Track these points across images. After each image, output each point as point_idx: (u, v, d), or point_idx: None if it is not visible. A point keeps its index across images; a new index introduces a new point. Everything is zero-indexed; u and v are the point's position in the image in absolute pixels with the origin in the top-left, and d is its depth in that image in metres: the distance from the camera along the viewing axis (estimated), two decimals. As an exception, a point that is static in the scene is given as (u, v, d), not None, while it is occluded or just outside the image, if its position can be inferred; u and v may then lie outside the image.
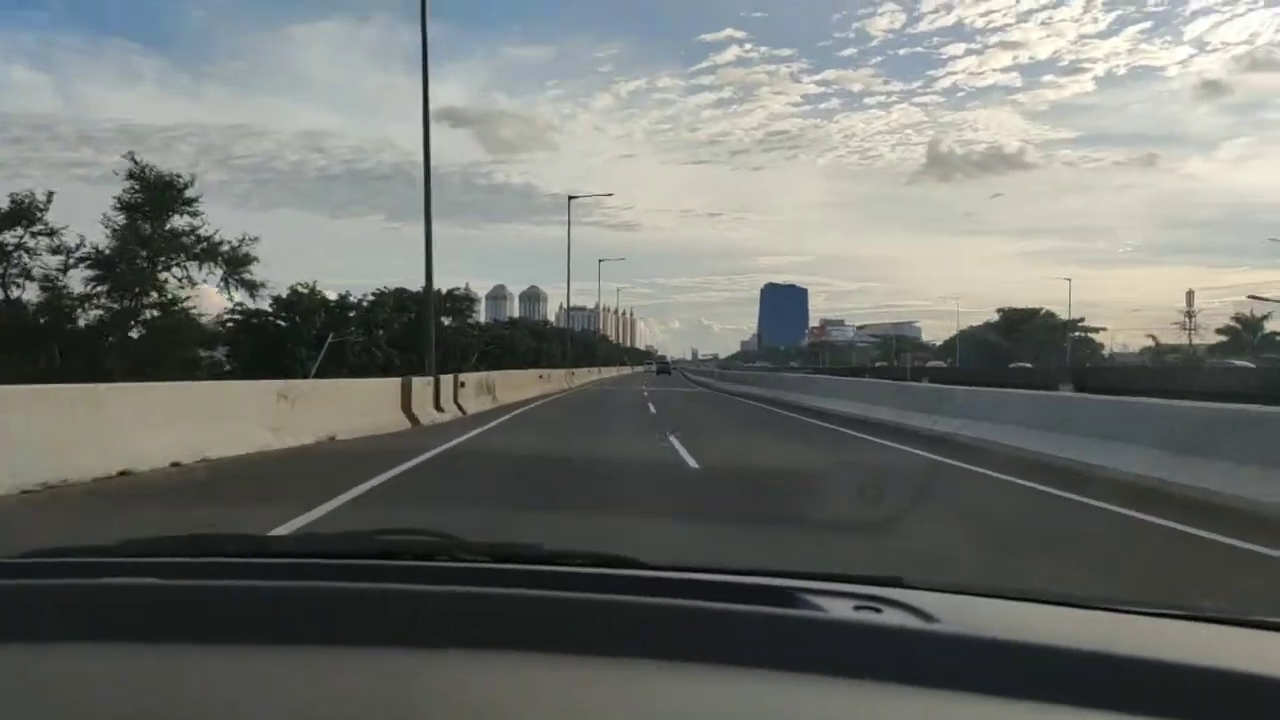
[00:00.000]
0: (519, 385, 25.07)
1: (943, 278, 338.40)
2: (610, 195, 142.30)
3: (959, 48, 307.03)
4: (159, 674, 0.85)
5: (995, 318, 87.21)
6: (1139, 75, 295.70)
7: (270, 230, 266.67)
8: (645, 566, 1.17)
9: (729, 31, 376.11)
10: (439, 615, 0.94)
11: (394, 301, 41.85)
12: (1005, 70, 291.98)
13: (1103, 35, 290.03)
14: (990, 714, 0.79)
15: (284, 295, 34.66)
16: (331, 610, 0.95)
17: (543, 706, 0.80)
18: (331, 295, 37.79)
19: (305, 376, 28.52)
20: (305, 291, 36.21)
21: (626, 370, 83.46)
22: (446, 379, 16.35)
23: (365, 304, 41.11)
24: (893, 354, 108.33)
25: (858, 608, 0.99)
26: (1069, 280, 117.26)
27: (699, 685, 0.83)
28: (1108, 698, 0.79)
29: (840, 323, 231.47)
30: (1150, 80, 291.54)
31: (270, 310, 34.70)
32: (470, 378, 18.83)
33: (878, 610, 0.98)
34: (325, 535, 1.54)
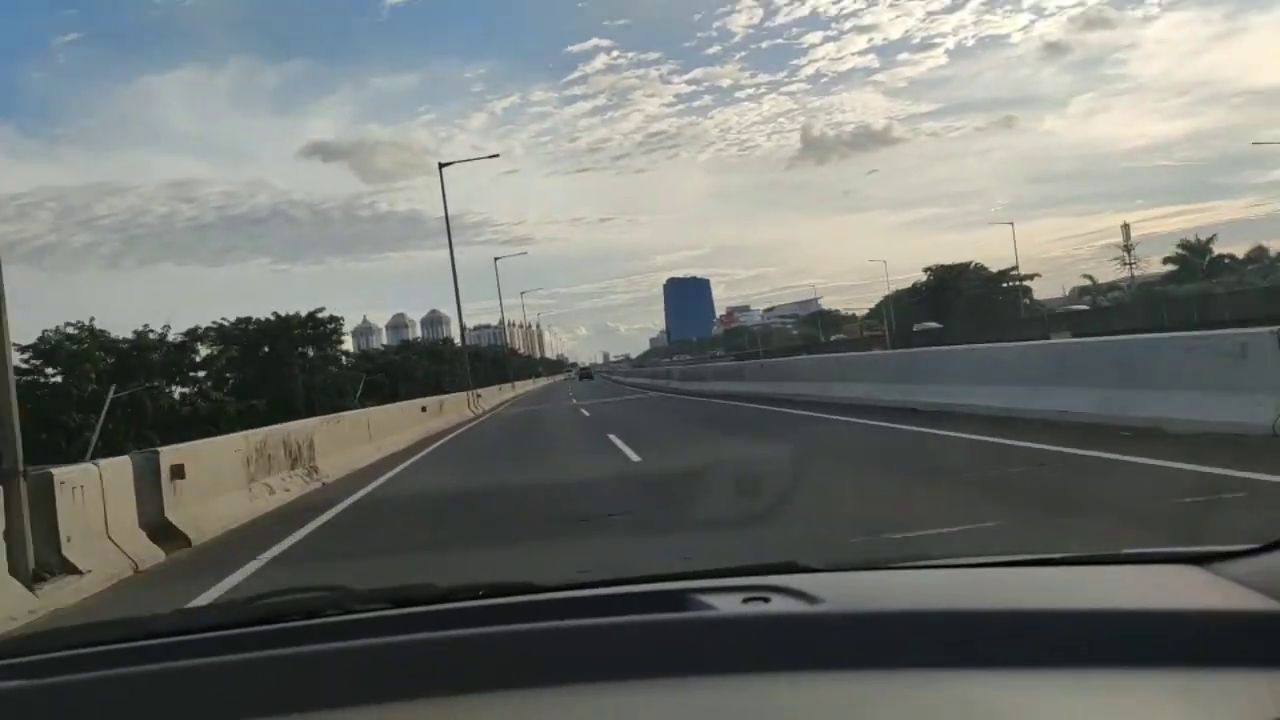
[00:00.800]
0: (387, 428, 15.04)
1: (834, 254, 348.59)
2: (496, 156, 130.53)
3: (816, 36, 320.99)
4: None
5: (918, 280, 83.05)
6: (987, 44, 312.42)
7: (150, 288, 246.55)
8: (543, 590, 1.16)
9: (595, 41, 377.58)
10: (331, 674, 0.93)
11: (218, 335, 31.88)
12: (863, 53, 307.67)
13: (948, 10, 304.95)
14: (875, 688, 0.82)
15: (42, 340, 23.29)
16: (219, 687, 0.93)
17: None
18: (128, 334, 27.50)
19: (83, 446, 20.28)
20: (75, 333, 25.40)
21: (544, 381, 78.14)
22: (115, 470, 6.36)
23: (176, 340, 30.60)
24: (819, 330, 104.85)
25: (747, 599, 1.00)
26: (1011, 224, 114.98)
27: (596, 704, 0.85)
28: (985, 653, 0.83)
29: (746, 308, 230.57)
30: (997, 48, 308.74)
31: (26, 363, 24.65)
32: (210, 449, 8.31)
33: (766, 600, 0.99)
34: (204, 608, 1.55)
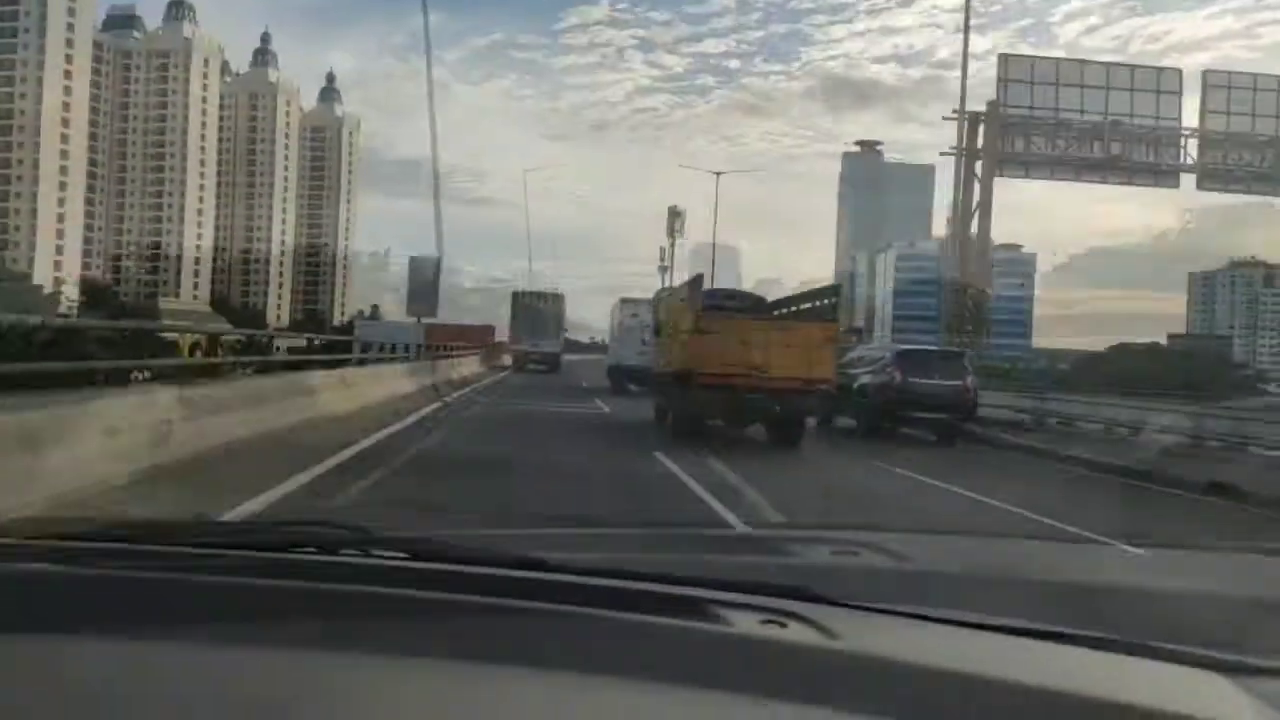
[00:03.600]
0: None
1: (801, 268, 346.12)
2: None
3: (841, 30, 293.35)
4: (39, 665, 0.87)
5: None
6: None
7: None
8: (566, 570, 1.21)
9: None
10: (341, 615, 0.97)
11: None
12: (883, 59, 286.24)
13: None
14: None
15: None
16: (237, 605, 0.98)
17: (437, 715, 0.86)
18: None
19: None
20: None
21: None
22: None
23: None
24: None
25: (764, 621, 1.04)
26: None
27: (600, 697, 0.89)
28: None
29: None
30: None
31: None
32: None
33: (783, 625, 1.03)
34: (225, 524, 1.54)
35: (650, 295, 22.47)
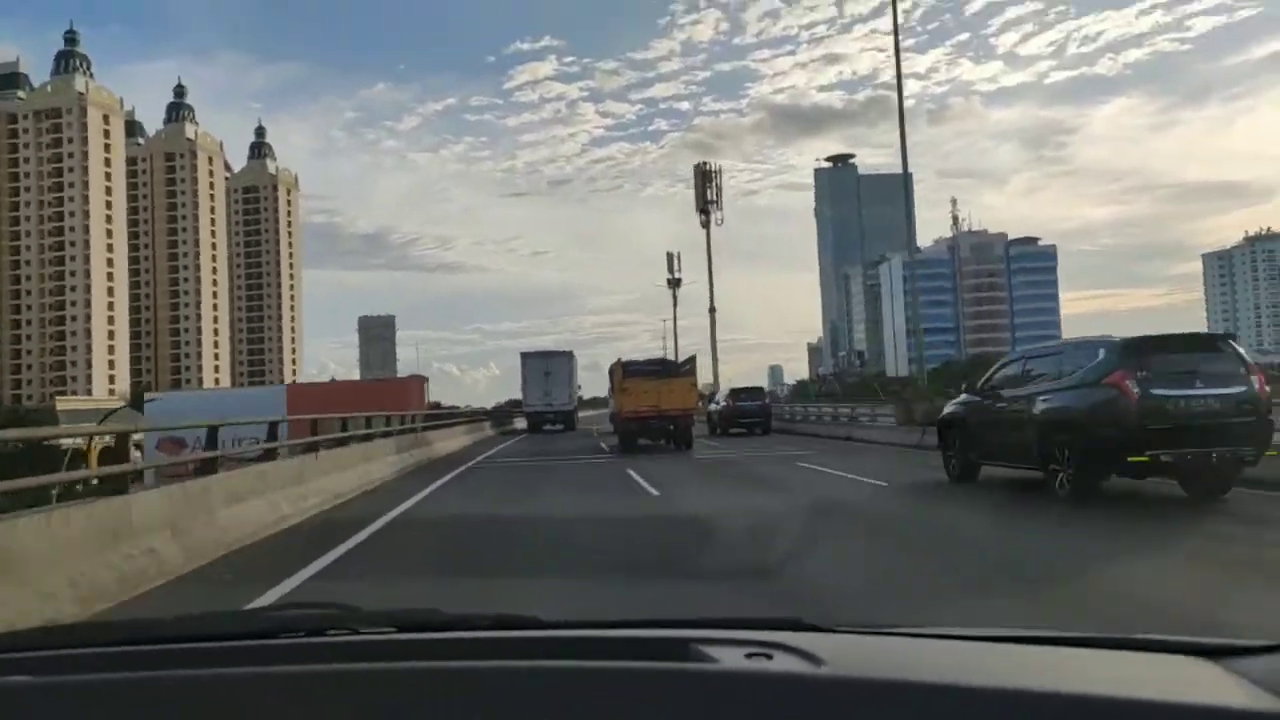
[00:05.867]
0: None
1: (771, 310, 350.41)
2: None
3: (786, 62, 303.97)
4: None
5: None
6: (956, 115, 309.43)
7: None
8: (547, 626, 1.28)
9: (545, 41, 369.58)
10: (333, 696, 1.01)
11: None
12: (830, 88, 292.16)
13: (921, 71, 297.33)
14: None
15: None
16: (218, 699, 1.01)
17: None
18: None
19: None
20: None
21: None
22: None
23: None
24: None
25: (750, 655, 1.09)
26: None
27: None
28: None
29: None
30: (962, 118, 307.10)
31: None
32: None
33: (769, 657, 1.08)
34: (210, 615, 1.58)
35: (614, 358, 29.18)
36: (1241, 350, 8.92)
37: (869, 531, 8.34)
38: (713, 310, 52.70)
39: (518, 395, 41.95)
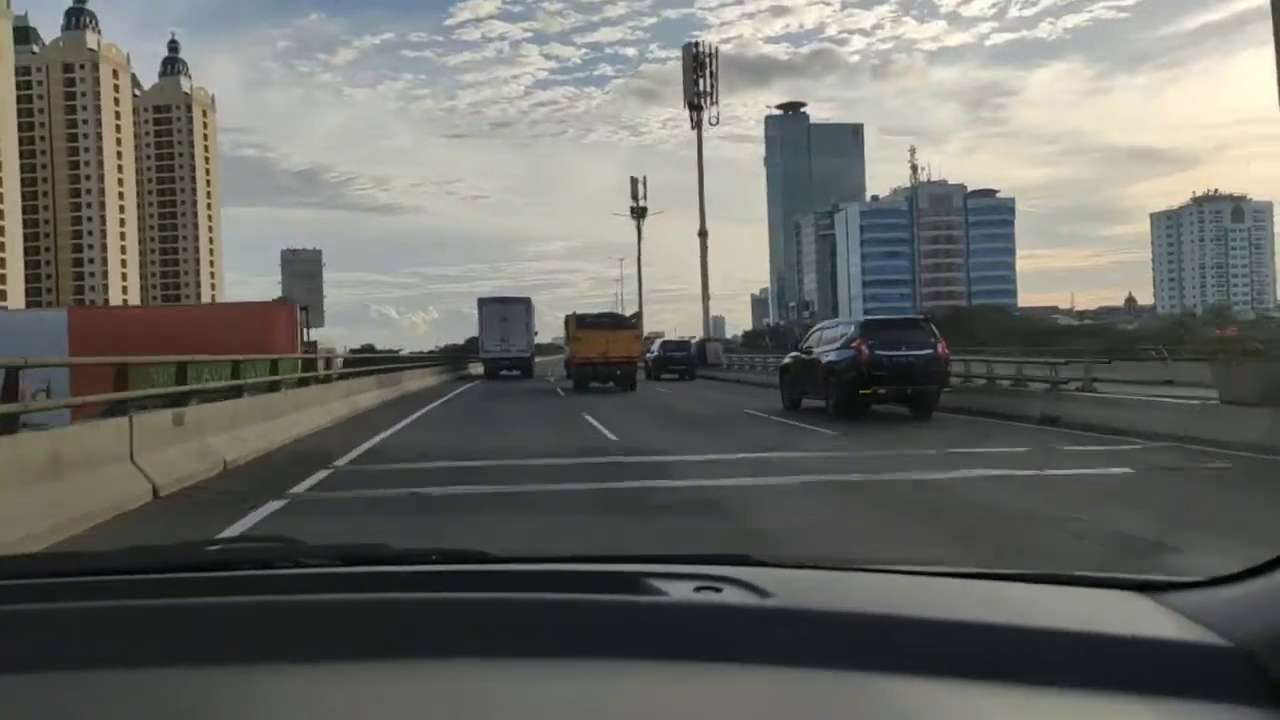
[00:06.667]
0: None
1: (719, 260, 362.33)
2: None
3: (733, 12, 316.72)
4: None
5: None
6: (899, 73, 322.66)
7: None
8: (495, 560, 1.37)
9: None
10: (279, 627, 1.09)
11: None
12: (775, 40, 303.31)
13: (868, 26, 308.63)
14: (816, 687, 1.00)
15: None
16: (165, 629, 1.09)
17: (385, 714, 0.96)
18: None
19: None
20: None
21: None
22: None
23: None
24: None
25: (699, 588, 1.18)
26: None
27: (541, 679, 1.01)
28: (925, 662, 1.00)
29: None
30: (904, 75, 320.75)
31: None
32: None
33: (718, 590, 1.17)
34: (157, 547, 1.70)
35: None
36: (933, 328, 16.33)
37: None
38: (703, 234, 52.99)
39: (457, 340, 42.73)
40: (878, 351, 15.58)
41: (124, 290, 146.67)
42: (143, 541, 5.65)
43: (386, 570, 1.33)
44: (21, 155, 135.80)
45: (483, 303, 43.42)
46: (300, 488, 9.03)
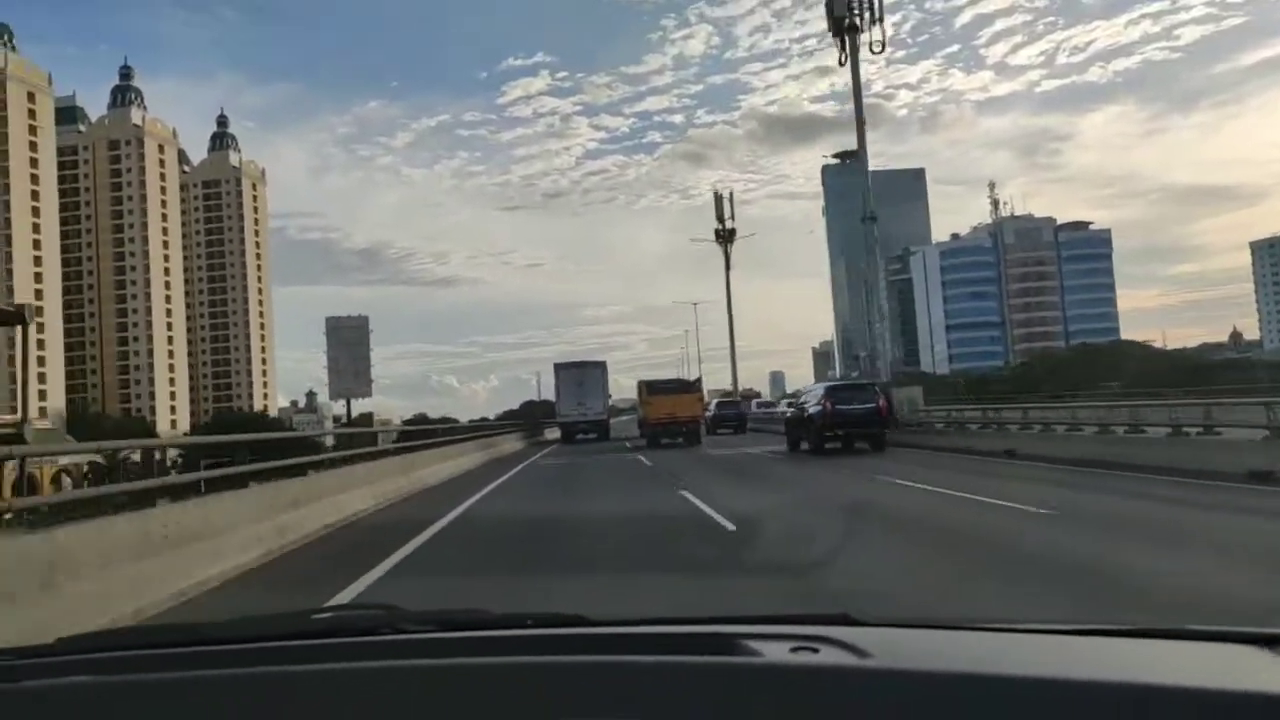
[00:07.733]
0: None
1: (766, 319, 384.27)
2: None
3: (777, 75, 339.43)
4: None
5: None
6: (950, 124, 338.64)
7: None
8: (592, 624, 1.54)
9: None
10: (381, 693, 1.23)
11: None
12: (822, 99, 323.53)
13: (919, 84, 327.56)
14: None
15: None
16: (274, 696, 1.25)
17: None
18: None
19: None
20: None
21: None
22: None
23: None
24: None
25: (795, 649, 1.31)
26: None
27: None
28: None
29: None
30: (960, 127, 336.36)
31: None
32: None
33: (815, 650, 1.29)
34: (261, 618, 1.82)
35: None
36: (877, 389, 27.36)
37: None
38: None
39: (514, 406, 47.51)
40: (838, 406, 26.49)
41: (170, 369, 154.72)
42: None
43: (486, 635, 1.48)
44: (65, 236, 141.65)
45: (559, 368, 49.77)
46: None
